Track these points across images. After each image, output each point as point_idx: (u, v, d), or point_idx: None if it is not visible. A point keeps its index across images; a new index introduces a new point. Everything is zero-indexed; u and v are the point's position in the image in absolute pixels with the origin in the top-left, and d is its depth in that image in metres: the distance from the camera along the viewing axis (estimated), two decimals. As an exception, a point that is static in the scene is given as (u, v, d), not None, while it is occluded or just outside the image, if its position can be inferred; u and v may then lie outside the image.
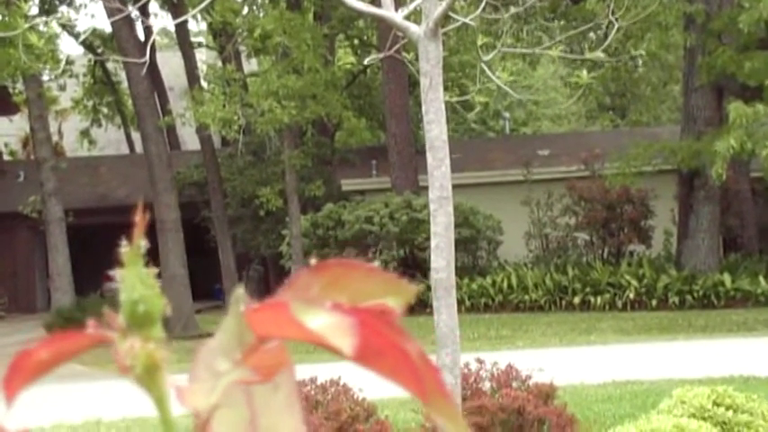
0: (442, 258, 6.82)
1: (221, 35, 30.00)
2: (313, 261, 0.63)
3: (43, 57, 15.12)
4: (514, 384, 8.64)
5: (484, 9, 8.49)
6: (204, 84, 29.10)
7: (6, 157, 40.11)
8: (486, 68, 8.74)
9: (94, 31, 33.38)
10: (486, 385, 8.68)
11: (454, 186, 7.16)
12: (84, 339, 0.63)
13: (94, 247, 33.75)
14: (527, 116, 48.22)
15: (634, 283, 25.03)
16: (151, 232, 26.45)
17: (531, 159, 30.66)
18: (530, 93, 34.92)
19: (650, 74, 37.02)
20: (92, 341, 0.63)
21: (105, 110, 41.95)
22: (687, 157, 23.81)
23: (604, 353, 17.78)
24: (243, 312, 0.61)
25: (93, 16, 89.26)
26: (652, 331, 20.74)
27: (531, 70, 42.21)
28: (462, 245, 25.09)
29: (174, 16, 27.63)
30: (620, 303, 24.94)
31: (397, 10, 7.51)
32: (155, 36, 14.50)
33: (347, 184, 30.31)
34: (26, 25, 9.98)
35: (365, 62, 18.44)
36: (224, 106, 22.20)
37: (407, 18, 7.45)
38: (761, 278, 24.78)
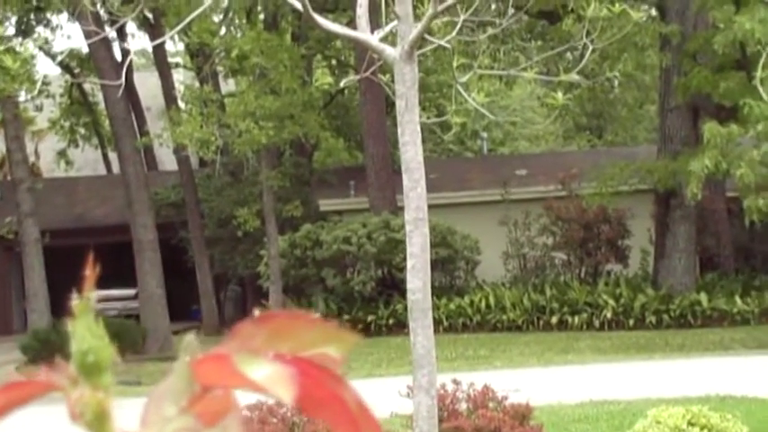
0: (418, 279, 6.84)
1: (199, 56, 30.02)
2: (256, 312, 0.65)
3: (19, 78, 15.09)
4: (491, 405, 8.66)
5: (460, 31, 8.53)
6: (182, 104, 29.08)
7: (-18, 178, 39.88)
8: (461, 90, 8.78)
9: (71, 52, 33.32)
10: (463, 406, 8.70)
11: (431, 206, 7.19)
12: (37, 387, 0.65)
13: (71, 269, 33.56)
14: (504, 136, 48.34)
15: (611, 302, 25.11)
16: (128, 252, 26.18)
17: (509, 179, 30.75)
18: (507, 113, 35.06)
19: (626, 94, 37.21)
20: (44, 388, 0.65)
21: (82, 130, 41.80)
22: (663, 177, 23.94)
23: (582, 372, 17.82)
24: (188, 363, 0.63)
25: (69, 37, 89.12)
26: (629, 350, 20.81)
27: (508, 90, 42.37)
28: (440, 265, 25.12)
29: (152, 37, 27.61)
30: (597, 323, 25.01)
31: (373, 32, 7.54)
32: (132, 56, 14.47)
33: (325, 205, 30.30)
34: (1, 47, 9.98)
35: (342, 83, 18.41)
36: (201, 127, 22.21)
37: (383, 40, 7.49)
38: (737, 298, 24.90)
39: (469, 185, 31.46)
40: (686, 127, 25.47)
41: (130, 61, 12.01)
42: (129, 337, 23.77)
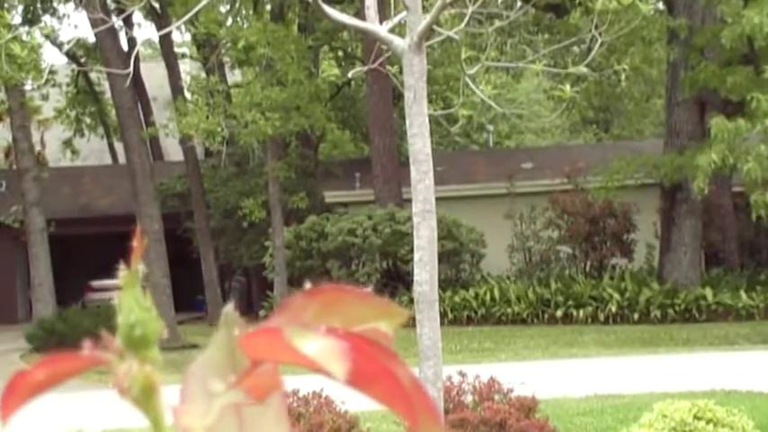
0: (425, 272, 6.83)
1: (205, 46, 30.02)
2: (307, 285, 0.64)
3: (26, 66, 15.07)
4: (496, 397, 8.65)
5: (468, 23, 8.51)
6: (188, 94, 29.07)
7: (-12, 167, 39.94)
8: (469, 82, 8.76)
9: (78, 41, 33.31)
10: (469, 398, 8.69)
11: (437, 199, 7.16)
12: (81, 361, 0.64)
13: (76, 258, 33.67)
14: (511, 129, 48.30)
15: (616, 296, 25.10)
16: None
17: (515, 172, 30.73)
18: (513, 106, 35.01)
19: (633, 88, 37.12)
20: (89, 363, 0.64)
21: (88, 120, 41.84)
22: (670, 172, 23.91)
23: (586, 366, 17.81)
24: (236, 337, 0.62)
25: (76, 27, 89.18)
26: (634, 344, 20.80)
27: (515, 83, 42.35)
28: (445, 257, 25.11)
29: (158, 27, 27.62)
30: (602, 316, 24.99)
31: (381, 23, 7.52)
32: (138, 47, 14.49)
33: (330, 197, 30.29)
34: (9, 35, 9.97)
35: (349, 75, 18.40)
36: (207, 117, 22.18)
37: (392, 31, 7.47)
38: (742, 292, 24.88)
39: (475, 178, 31.45)
40: (693, 121, 25.44)
41: (137, 51, 11.99)
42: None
